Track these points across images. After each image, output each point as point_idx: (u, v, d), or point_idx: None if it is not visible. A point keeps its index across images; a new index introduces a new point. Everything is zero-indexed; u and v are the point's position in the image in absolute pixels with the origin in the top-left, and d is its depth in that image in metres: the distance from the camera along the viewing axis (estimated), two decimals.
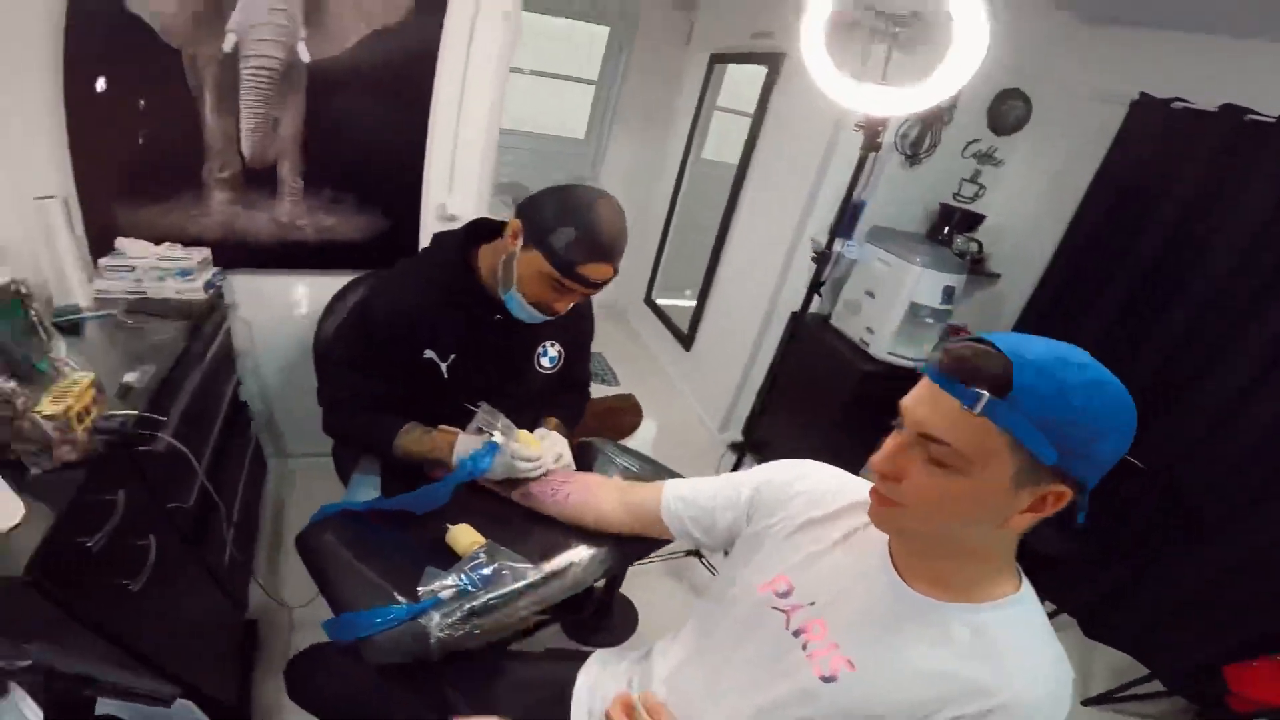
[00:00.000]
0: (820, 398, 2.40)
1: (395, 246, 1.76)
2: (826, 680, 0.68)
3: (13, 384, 0.79)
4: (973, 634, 0.63)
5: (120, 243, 1.42)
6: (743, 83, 3.48)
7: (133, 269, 1.38)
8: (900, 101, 1.32)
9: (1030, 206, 2.49)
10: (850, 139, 2.21)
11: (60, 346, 0.90)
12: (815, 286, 1.84)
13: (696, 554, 2.08)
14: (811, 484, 0.85)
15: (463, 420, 1.18)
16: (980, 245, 2.49)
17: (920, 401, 0.60)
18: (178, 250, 1.46)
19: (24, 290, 0.84)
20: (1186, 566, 1.93)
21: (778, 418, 2.09)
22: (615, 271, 1.10)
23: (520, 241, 1.08)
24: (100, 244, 1.44)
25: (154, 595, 0.97)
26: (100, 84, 1.35)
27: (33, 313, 0.85)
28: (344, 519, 1.12)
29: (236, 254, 1.61)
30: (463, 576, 0.96)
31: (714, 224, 3.03)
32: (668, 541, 1.07)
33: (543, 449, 1.13)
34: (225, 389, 1.56)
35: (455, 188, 1.78)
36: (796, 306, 2.55)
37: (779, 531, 0.82)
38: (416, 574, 0.97)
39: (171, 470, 1.16)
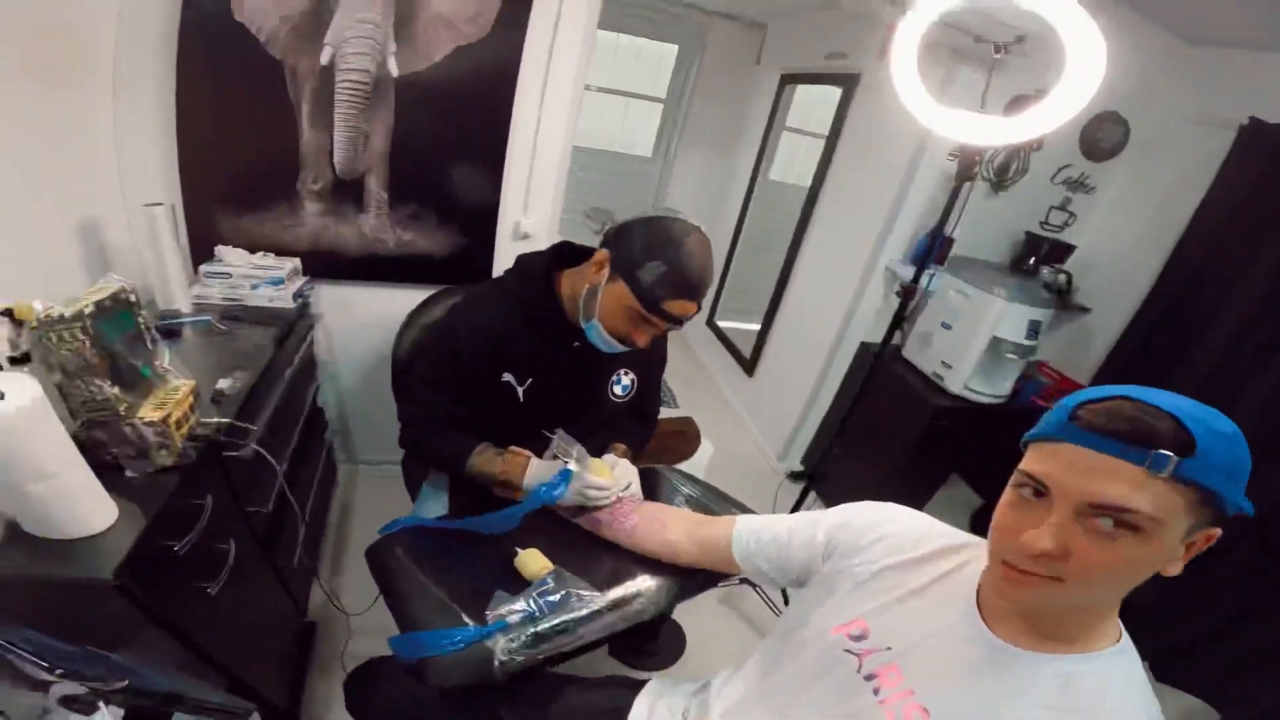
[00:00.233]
0: (888, 431, 2.31)
1: (471, 263, 1.80)
2: None
3: (117, 389, 0.82)
4: (1061, 685, 0.61)
5: (219, 250, 1.48)
6: (811, 103, 3.44)
7: (229, 276, 1.44)
8: (1005, 131, 1.24)
9: (1125, 237, 2.34)
10: (931, 165, 2.15)
11: (165, 353, 0.93)
12: (898, 322, 1.76)
13: (749, 582, 2.02)
14: (895, 529, 0.82)
15: (533, 442, 1.18)
16: (1070, 278, 2.35)
17: (1087, 471, 0.56)
18: (270, 259, 1.52)
19: (134, 298, 0.88)
20: (1275, 616, 1.80)
21: (842, 450, 2.02)
22: (699, 309, 1.08)
23: (606, 272, 1.07)
24: (199, 251, 1.51)
25: (228, 599, 0.99)
26: (210, 93, 1.41)
27: (141, 320, 0.89)
28: (414, 534, 1.13)
29: (323, 264, 1.66)
30: (531, 602, 0.96)
31: (781, 246, 2.98)
32: (731, 575, 1.05)
33: (614, 477, 1.12)
34: (306, 396, 1.60)
35: (530, 206, 1.80)
36: (866, 335, 2.49)
37: (858, 575, 0.80)
38: (484, 595, 0.97)
39: (254, 475, 1.19)
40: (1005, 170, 2.22)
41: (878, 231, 2.30)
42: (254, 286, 1.45)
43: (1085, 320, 2.47)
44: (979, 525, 1.96)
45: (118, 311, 0.85)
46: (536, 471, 1.13)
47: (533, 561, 1.02)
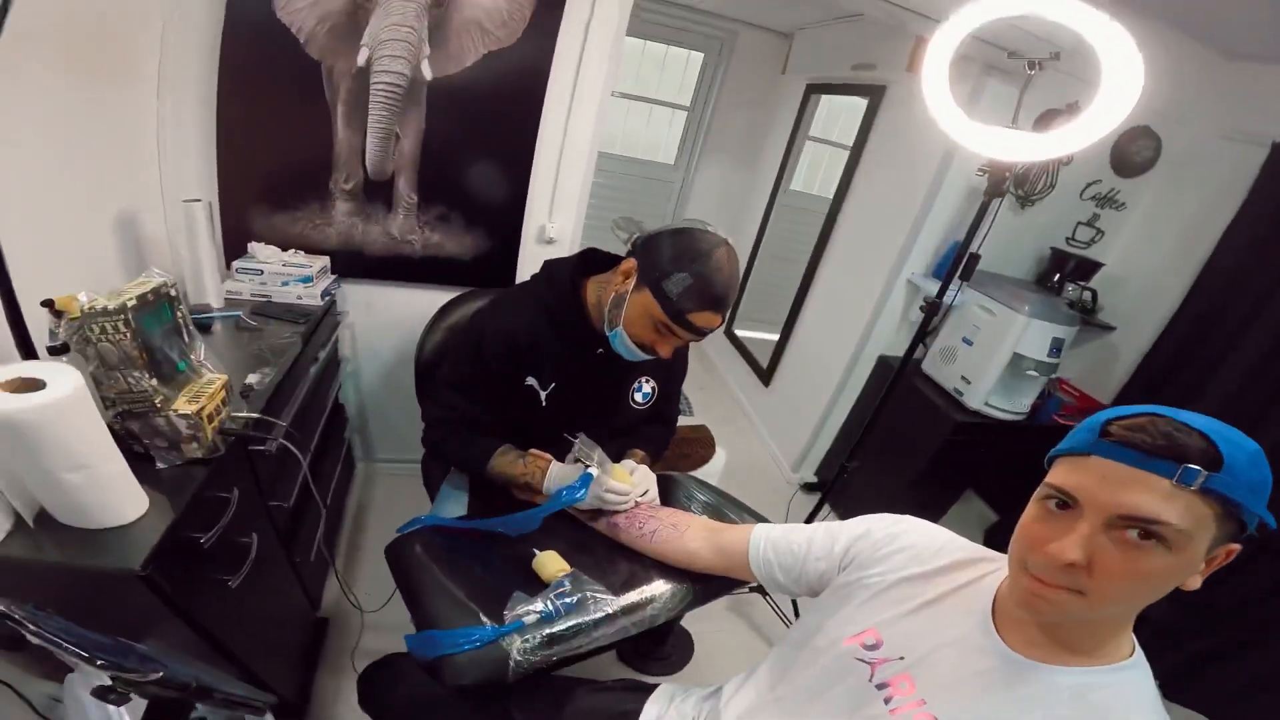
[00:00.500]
0: (905, 445, 2.29)
1: (496, 266, 1.81)
2: None
3: (154, 381, 0.84)
4: (1073, 697, 0.62)
5: (253, 247, 1.51)
6: (834, 114, 3.43)
7: (261, 272, 1.46)
8: (1037, 147, 1.22)
9: (1154, 255, 2.30)
10: (956, 178, 2.13)
11: (200, 347, 0.95)
12: (922, 336, 1.74)
13: (760, 590, 2.01)
14: (913, 540, 0.83)
15: (554, 446, 1.19)
16: (1094, 295, 2.32)
17: (1119, 483, 0.57)
18: (300, 257, 1.54)
19: (174, 293, 0.90)
20: None
21: (857, 462, 2.01)
22: (724, 322, 1.09)
23: (633, 282, 1.08)
24: (231, 247, 1.54)
25: (247, 592, 1.00)
26: (251, 92, 1.44)
27: (180, 314, 0.91)
28: (433, 532, 1.14)
29: (351, 263, 1.69)
30: (548, 603, 0.96)
31: (801, 256, 2.96)
32: (745, 582, 1.06)
33: (633, 482, 1.13)
34: (329, 393, 1.63)
35: (556, 211, 1.81)
36: (886, 349, 2.48)
37: (874, 585, 0.81)
38: (501, 595, 0.98)
39: (279, 470, 1.21)
40: (1034, 184, 2.20)
41: (900, 244, 2.29)
42: (284, 283, 1.48)
43: (1109, 339, 2.44)
44: (993, 542, 1.93)
45: (158, 305, 0.87)
46: (558, 474, 1.14)
47: (551, 563, 1.03)
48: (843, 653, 0.77)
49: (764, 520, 1.12)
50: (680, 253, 1.04)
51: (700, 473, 1.92)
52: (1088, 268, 2.29)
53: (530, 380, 1.18)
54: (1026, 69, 1.32)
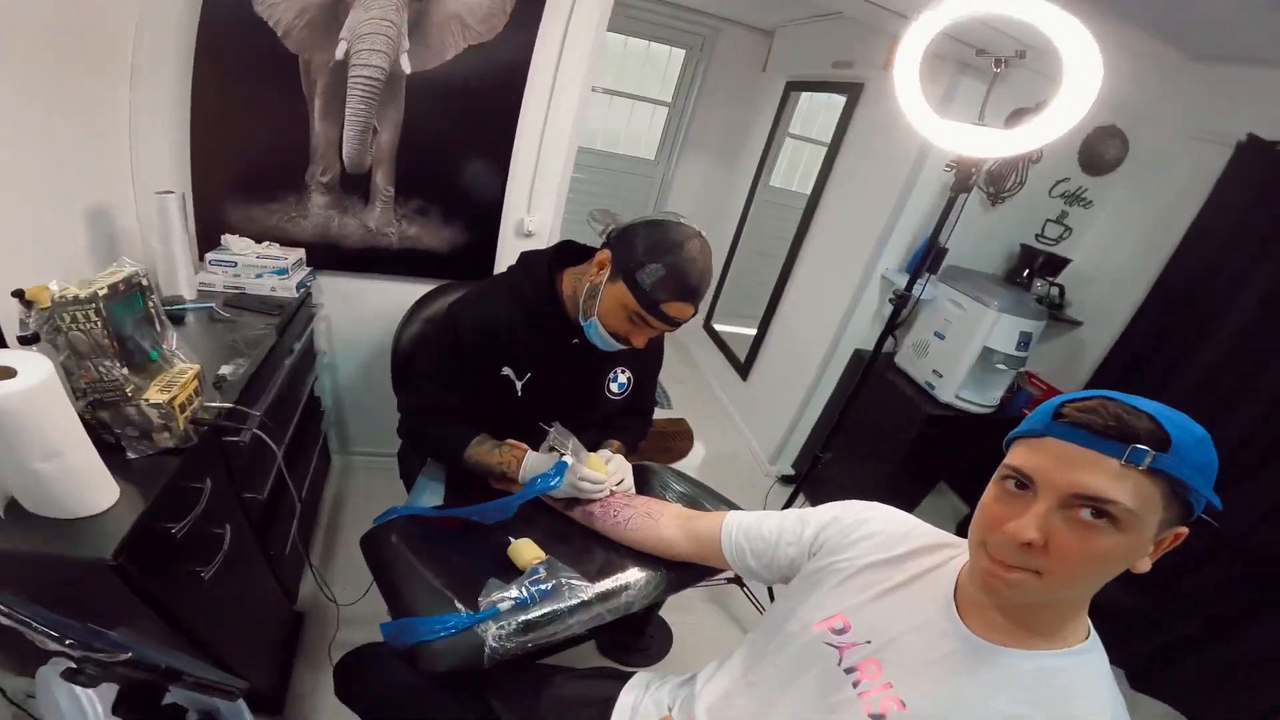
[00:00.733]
0: (879, 438, 2.34)
1: (473, 259, 1.81)
2: (875, 719, 0.68)
3: (125, 371, 0.84)
4: (1034, 679, 0.63)
5: (226, 239, 1.50)
6: (814, 111, 3.46)
7: (234, 264, 1.45)
8: (1002, 143, 1.26)
9: (1121, 252, 2.37)
10: (930, 175, 2.17)
11: (173, 337, 0.95)
12: (891, 328, 1.78)
13: (738, 581, 2.04)
14: (880, 526, 0.85)
15: (530, 437, 1.20)
16: (1062, 290, 2.38)
17: (1071, 463, 0.59)
18: (275, 249, 1.53)
19: (145, 282, 0.89)
20: (1253, 628, 1.83)
21: (833, 454, 2.05)
22: (696, 312, 1.10)
23: (607, 273, 1.09)
24: (204, 238, 1.53)
25: (220, 583, 1.00)
26: (226, 84, 1.43)
27: (151, 304, 0.90)
28: (409, 522, 1.15)
29: (326, 256, 1.68)
30: (523, 590, 0.97)
31: (779, 252, 3.00)
32: (720, 570, 1.08)
33: (608, 471, 1.14)
34: (305, 385, 1.62)
35: (534, 205, 1.82)
36: (861, 343, 2.52)
37: (842, 570, 0.82)
38: (477, 582, 0.99)
39: (252, 461, 1.21)
40: (1004, 182, 2.25)
41: (875, 239, 2.33)
42: (258, 275, 1.47)
43: (1076, 333, 2.50)
44: (964, 533, 1.97)
45: (130, 294, 0.87)
46: (533, 463, 1.16)
47: (525, 551, 1.04)
48: (812, 637, 0.79)
49: (739, 508, 1.14)
50: (654, 244, 1.05)
51: (680, 466, 1.95)
52: (1056, 264, 2.35)
53: (506, 370, 1.19)
54: (994, 66, 1.36)
